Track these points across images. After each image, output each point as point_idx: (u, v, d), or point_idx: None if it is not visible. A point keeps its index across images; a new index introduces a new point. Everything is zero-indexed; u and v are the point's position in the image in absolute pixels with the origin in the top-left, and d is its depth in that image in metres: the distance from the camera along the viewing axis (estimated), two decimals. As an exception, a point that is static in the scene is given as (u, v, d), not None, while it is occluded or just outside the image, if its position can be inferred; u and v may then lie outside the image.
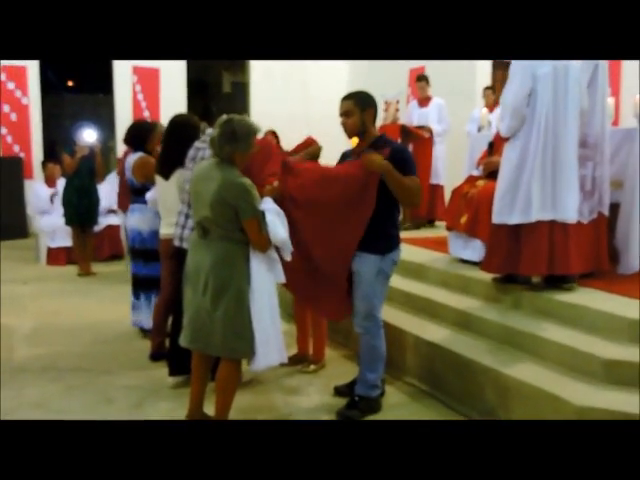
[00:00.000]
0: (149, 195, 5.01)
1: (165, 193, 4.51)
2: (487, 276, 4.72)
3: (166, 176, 4.44)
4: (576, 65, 4.15)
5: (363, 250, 3.74)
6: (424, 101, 8.31)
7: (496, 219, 4.29)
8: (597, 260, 4.49)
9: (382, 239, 3.76)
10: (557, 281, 4.26)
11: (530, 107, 4.10)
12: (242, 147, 3.37)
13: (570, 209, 4.17)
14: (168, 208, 4.49)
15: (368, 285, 3.75)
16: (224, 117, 3.43)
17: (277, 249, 3.47)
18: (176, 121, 4.52)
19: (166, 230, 4.55)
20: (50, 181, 9.23)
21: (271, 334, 3.43)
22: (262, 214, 3.33)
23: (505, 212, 4.21)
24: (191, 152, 4.13)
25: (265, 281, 3.42)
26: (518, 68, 4.11)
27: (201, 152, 4.04)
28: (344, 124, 3.80)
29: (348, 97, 3.80)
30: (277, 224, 3.34)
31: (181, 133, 4.38)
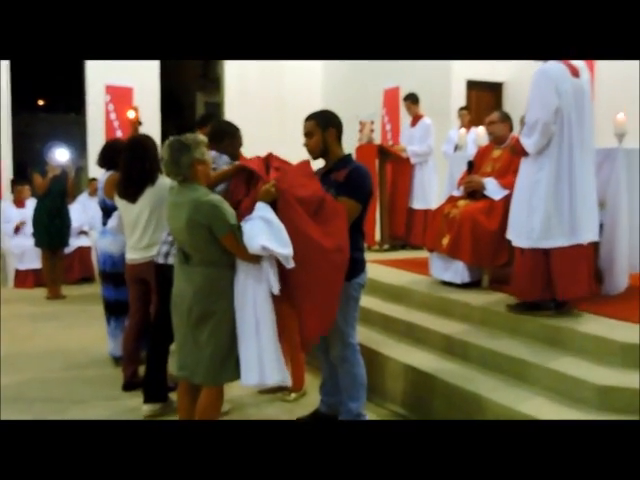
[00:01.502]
0: (111, 222, 4.86)
1: (130, 215, 4.36)
2: (470, 299, 4.64)
3: (133, 199, 4.30)
4: (586, 85, 4.12)
5: None
6: (414, 121, 8.05)
7: (534, 243, 4.10)
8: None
9: (348, 264, 3.56)
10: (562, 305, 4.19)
11: (557, 124, 4.02)
12: (198, 154, 3.29)
13: (595, 228, 4.16)
14: (135, 231, 4.34)
15: (339, 313, 3.56)
16: (166, 141, 3.37)
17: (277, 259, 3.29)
18: (135, 141, 4.41)
19: (131, 254, 4.41)
20: (19, 202, 9.00)
21: (265, 350, 3.26)
22: (238, 227, 3.20)
23: (551, 235, 4.05)
24: None
25: (252, 297, 3.26)
26: (541, 83, 4.02)
27: None
28: (306, 145, 3.70)
29: (310, 117, 3.70)
30: (256, 233, 3.16)
31: (142, 153, 4.27)
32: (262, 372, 3.29)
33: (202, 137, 3.38)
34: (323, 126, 3.63)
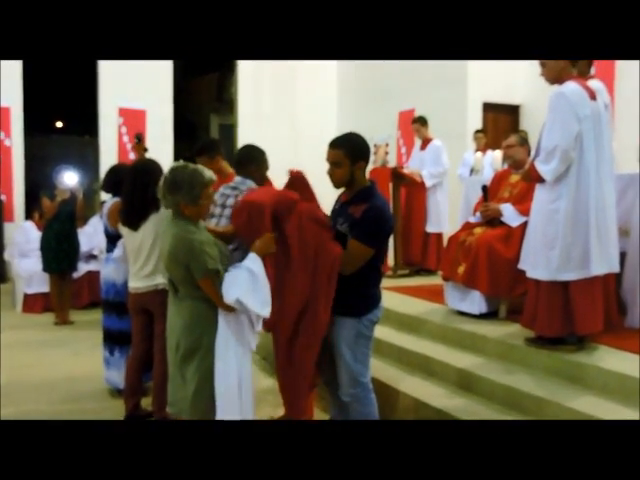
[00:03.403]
0: (117, 252, 4.72)
1: (134, 243, 4.21)
2: (487, 331, 4.46)
3: (135, 227, 4.15)
4: (603, 109, 3.93)
5: (338, 314, 3.37)
6: (424, 144, 7.90)
7: (552, 276, 3.89)
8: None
9: (358, 300, 3.40)
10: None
11: (577, 150, 3.83)
12: (186, 198, 3.09)
13: (616, 258, 3.96)
14: (138, 258, 4.19)
15: (347, 350, 3.40)
16: (175, 164, 3.21)
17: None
18: (137, 167, 4.28)
19: (135, 283, 4.25)
20: (40, 225, 8.88)
21: (236, 402, 3.11)
22: (217, 272, 3.03)
23: (570, 267, 3.84)
24: (217, 197, 3.82)
25: (232, 345, 3.10)
26: (560, 108, 3.82)
27: (230, 199, 3.78)
28: (331, 174, 3.40)
29: (338, 145, 3.36)
30: (237, 284, 3.00)
31: (145, 179, 4.06)
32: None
33: (203, 178, 3.14)
34: (352, 159, 3.33)
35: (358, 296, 3.39)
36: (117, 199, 4.76)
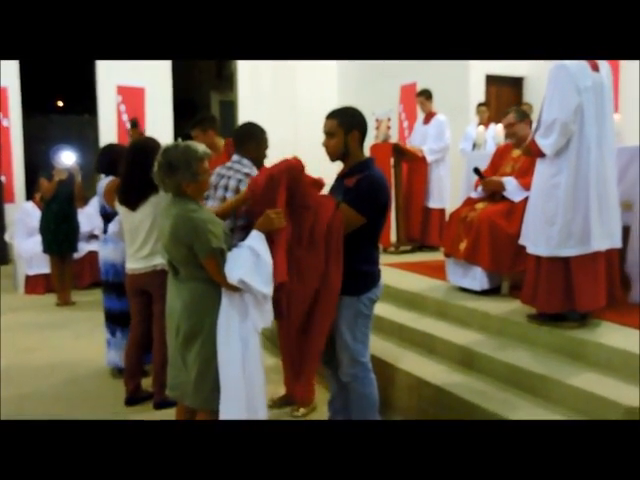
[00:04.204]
0: (112, 228, 4.67)
1: (132, 223, 4.16)
2: (489, 307, 4.41)
3: (133, 207, 4.10)
4: (606, 80, 3.84)
5: None
6: (427, 118, 7.82)
7: (552, 252, 3.83)
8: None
9: (355, 278, 3.32)
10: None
11: (577, 123, 3.75)
12: (186, 177, 3.02)
13: (618, 233, 3.90)
14: (136, 239, 4.14)
15: (346, 330, 3.35)
16: (165, 146, 3.14)
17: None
18: (138, 146, 4.20)
19: (132, 264, 4.20)
20: (40, 206, 8.81)
21: (241, 388, 3.04)
22: (221, 251, 2.97)
23: (571, 242, 3.78)
24: (213, 178, 3.76)
25: (236, 326, 3.03)
26: (560, 80, 3.74)
27: (224, 180, 3.71)
28: (326, 145, 3.39)
29: (332, 115, 3.37)
30: (240, 264, 2.94)
31: (143, 158, 3.89)
32: (250, 408, 3.10)
33: (197, 153, 3.07)
34: (346, 128, 3.31)
35: (356, 274, 3.32)
36: (112, 177, 4.72)
